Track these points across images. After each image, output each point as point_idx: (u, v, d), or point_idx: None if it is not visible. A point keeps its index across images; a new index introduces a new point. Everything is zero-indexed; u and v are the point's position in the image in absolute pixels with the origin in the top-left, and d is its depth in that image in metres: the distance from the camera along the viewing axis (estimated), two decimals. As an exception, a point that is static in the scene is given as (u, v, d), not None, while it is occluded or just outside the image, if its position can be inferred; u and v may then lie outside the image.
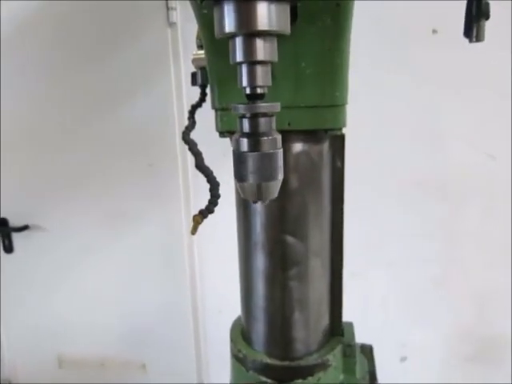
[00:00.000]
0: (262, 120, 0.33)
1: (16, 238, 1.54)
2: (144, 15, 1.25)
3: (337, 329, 0.79)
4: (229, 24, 0.32)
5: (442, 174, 1.31)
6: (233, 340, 0.80)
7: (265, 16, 0.30)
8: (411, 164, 1.32)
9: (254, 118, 0.33)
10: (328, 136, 0.68)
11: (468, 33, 0.38)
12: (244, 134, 0.34)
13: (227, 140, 0.68)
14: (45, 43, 1.35)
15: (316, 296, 0.74)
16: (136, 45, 1.28)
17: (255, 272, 0.73)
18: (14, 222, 1.52)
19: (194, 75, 0.69)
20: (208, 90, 0.69)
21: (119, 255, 1.50)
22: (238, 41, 0.32)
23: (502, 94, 1.19)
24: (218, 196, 0.48)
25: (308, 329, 0.75)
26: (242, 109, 0.33)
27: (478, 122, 1.24)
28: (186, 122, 1.39)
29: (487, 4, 0.36)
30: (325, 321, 0.77)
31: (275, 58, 0.34)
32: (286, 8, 0.32)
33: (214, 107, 0.65)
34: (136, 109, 1.33)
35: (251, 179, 0.34)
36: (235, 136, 0.35)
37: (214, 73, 0.62)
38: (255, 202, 0.36)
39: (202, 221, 0.46)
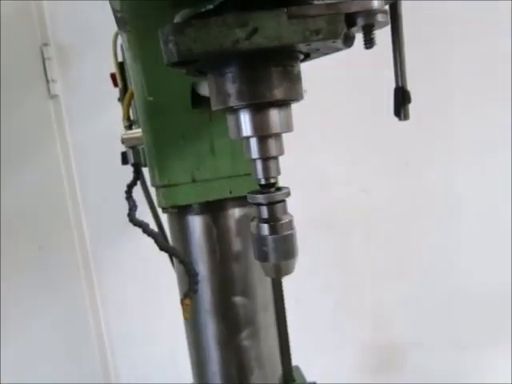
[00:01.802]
0: (279, 206, 0.37)
1: None
2: (23, 87, 1.17)
3: (289, 375, 0.83)
4: (245, 129, 0.36)
5: (327, 211, 1.48)
6: (191, 415, 0.77)
7: (277, 121, 0.35)
8: (302, 205, 1.46)
9: (272, 205, 0.37)
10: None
11: (398, 114, 0.49)
12: (263, 220, 0.38)
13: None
14: None
15: (269, 350, 0.77)
16: (16, 119, 1.18)
17: (209, 339, 0.73)
18: None
19: (124, 155, 0.68)
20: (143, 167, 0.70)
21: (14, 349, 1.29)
22: (253, 141, 0.37)
23: (370, 136, 1.43)
24: (197, 274, 0.49)
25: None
26: (260, 198, 0.37)
27: (352, 161, 1.45)
28: (78, 195, 1.32)
29: (409, 92, 0.48)
30: (278, 371, 0.80)
31: (283, 152, 0.39)
32: (290, 110, 0.37)
33: (154, 185, 0.65)
34: (22, 186, 1.21)
35: (272, 259, 0.37)
36: (254, 221, 0.38)
37: (153, 152, 0.63)
38: (275, 278, 0.39)
39: (190, 302, 0.46)
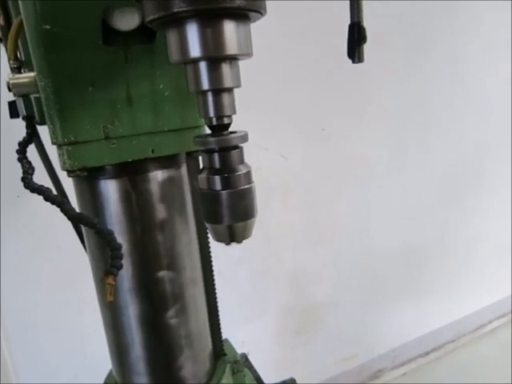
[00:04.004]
0: (234, 153, 0.29)
1: None
2: None
3: (219, 350, 0.78)
4: (193, 48, 0.27)
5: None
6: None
7: (234, 37, 0.26)
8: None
9: (226, 151, 0.29)
10: (185, 158, 0.65)
11: (352, 55, 0.44)
12: (215, 171, 0.29)
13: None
14: None
15: (199, 326, 0.71)
16: None
17: (131, 321, 0.64)
18: None
19: (12, 105, 0.54)
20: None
21: None
22: (203, 66, 0.28)
23: (288, 101, 1.39)
24: (120, 246, 0.40)
25: (197, 362, 0.70)
26: (211, 143, 0.28)
27: (270, 126, 1.41)
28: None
29: (365, 29, 0.43)
30: (209, 347, 0.74)
31: (240, 84, 0.31)
32: (249, 29, 0.29)
33: (55, 142, 0.53)
34: None
35: (226, 220, 0.30)
36: (203, 174, 0.30)
37: (53, 98, 0.50)
38: (228, 244, 0.32)
39: (115, 281, 0.37)
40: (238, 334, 1.52)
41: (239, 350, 1.67)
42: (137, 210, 0.59)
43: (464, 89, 1.78)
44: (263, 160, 1.45)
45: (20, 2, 0.44)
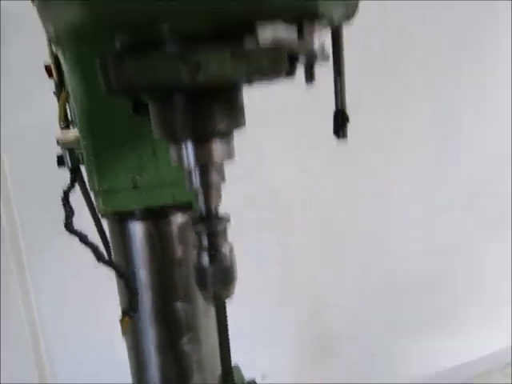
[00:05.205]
0: (220, 234, 0.37)
1: None
2: None
3: (229, 376, 0.85)
4: (188, 160, 0.35)
5: (268, 190, 1.48)
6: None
7: (218, 150, 0.35)
8: (243, 189, 1.43)
9: (212, 235, 0.37)
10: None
11: (337, 133, 0.51)
12: (203, 249, 0.38)
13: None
14: None
15: (210, 352, 0.78)
16: None
17: (149, 344, 0.73)
18: None
19: (60, 158, 0.65)
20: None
21: None
22: (195, 172, 0.36)
23: (310, 120, 1.44)
24: (137, 293, 0.49)
25: (207, 385, 0.78)
26: (200, 227, 0.37)
27: (291, 143, 1.47)
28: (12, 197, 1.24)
29: (348, 115, 0.50)
30: (218, 372, 0.81)
31: (225, 180, 0.39)
32: (231, 141, 0.37)
33: (92, 189, 0.63)
34: None
35: (211, 287, 0.38)
36: (195, 250, 0.38)
37: (92, 156, 0.60)
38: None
39: (131, 319, 0.46)
40: (256, 357, 1.57)
41: (254, 374, 1.70)
42: (158, 248, 0.68)
43: (497, 99, 1.74)
44: (283, 174, 1.49)
45: (68, 86, 0.54)
